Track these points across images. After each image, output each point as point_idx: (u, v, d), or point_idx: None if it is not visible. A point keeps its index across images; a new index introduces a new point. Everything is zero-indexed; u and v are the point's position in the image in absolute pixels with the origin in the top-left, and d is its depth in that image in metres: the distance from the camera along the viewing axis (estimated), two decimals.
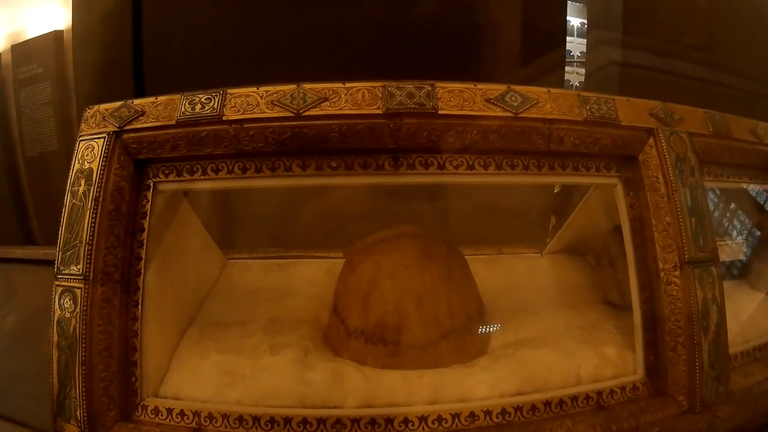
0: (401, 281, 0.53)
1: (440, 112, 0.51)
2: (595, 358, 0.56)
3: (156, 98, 0.54)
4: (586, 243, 0.70)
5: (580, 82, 0.91)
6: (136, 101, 0.55)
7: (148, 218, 0.53)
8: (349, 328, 0.53)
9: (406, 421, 0.47)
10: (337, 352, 0.53)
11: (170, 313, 0.55)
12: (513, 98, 0.54)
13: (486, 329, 0.57)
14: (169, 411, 0.50)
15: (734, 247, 0.84)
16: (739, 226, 0.84)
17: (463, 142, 0.53)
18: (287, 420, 0.47)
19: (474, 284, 0.59)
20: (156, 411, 0.50)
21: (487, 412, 0.49)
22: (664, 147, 0.59)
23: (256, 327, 0.57)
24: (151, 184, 0.53)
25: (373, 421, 0.47)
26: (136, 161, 0.54)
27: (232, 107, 0.52)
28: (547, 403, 0.50)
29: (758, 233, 0.87)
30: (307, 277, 0.65)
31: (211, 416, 0.48)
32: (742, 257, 0.83)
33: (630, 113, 0.59)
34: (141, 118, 0.53)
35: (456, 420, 0.48)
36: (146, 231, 0.52)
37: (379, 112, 0.51)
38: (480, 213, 0.74)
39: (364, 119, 0.51)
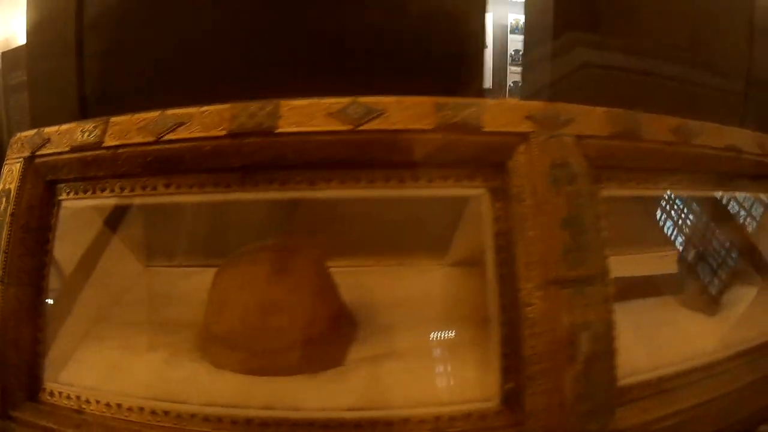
0: (251, 292, 0.56)
1: (277, 130, 0.53)
2: (450, 379, 0.54)
3: (59, 127, 0.64)
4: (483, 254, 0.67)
5: (514, 82, 0.84)
6: (47, 129, 0.65)
7: (53, 231, 0.62)
8: (209, 334, 0.58)
9: (233, 421, 0.51)
10: (202, 354, 0.58)
11: (76, 313, 0.64)
12: (355, 110, 0.54)
13: (346, 341, 0.58)
14: (60, 394, 0.58)
15: (667, 261, 0.73)
16: (677, 238, 0.73)
17: (302, 158, 0.54)
18: (141, 408, 0.53)
19: (334, 296, 0.59)
20: (52, 394, 0.59)
21: (311, 423, 0.50)
22: (536, 152, 0.55)
23: (147, 328, 0.63)
24: (57, 201, 0.63)
25: (206, 418, 0.51)
26: (46, 182, 0.64)
27: (111, 134, 0.59)
28: (374, 423, 0.49)
29: (696, 247, 0.76)
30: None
31: (88, 400, 0.56)
32: (675, 272, 0.72)
33: (499, 117, 0.55)
34: (48, 144, 0.63)
35: (278, 427, 0.49)
36: (51, 242, 0.62)
37: (224, 133, 0.54)
38: (390, 223, 0.74)
39: (211, 141, 0.55)
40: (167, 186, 0.58)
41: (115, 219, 0.71)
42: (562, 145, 0.56)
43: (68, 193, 0.63)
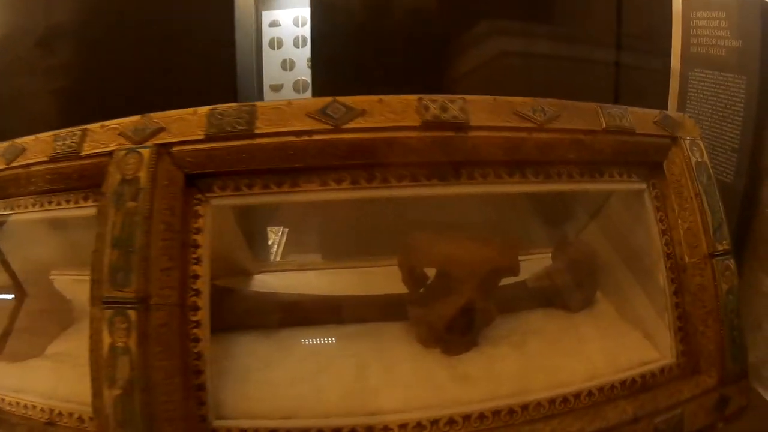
0: None
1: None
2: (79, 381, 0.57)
3: None
4: None
5: None
6: None
7: None
8: None
9: None
10: None
11: None
12: (10, 150, 0.62)
13: (48, 338, 0.68)
14: None
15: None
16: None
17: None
18: None
19: (40, 303, 0.70)
20: None
21: None
22: (113, 170, 0.53)
23: None
24: None
25: None
26: None
27: None
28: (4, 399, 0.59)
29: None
30: None
31: None
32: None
33: (98, 141, 0.56)
34: None
35: None
36: None
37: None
38: None
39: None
40: None
41: None
42: (138, 159, 0.53)
43: None
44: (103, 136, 0.56)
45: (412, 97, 0.54)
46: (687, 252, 0.56)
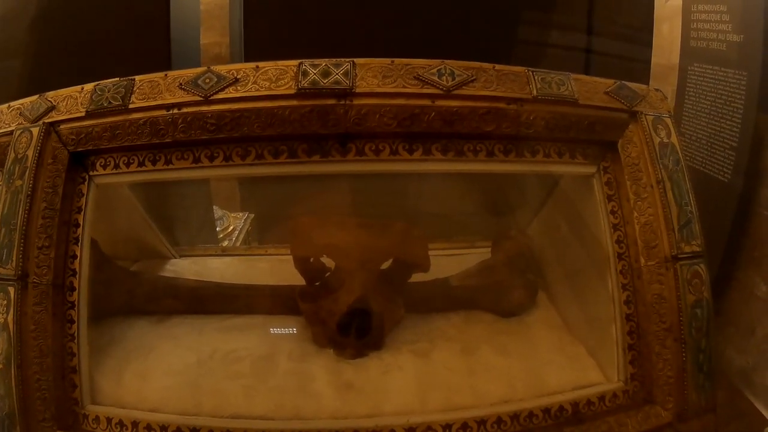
0: None
1: None
2: None
3: None
4: None
5: None
6: None
7: None
8: None
9: None
10: None
11: None
12: None
13: None
14: None
15: None
16: None
17: None
18: None
19: None
20: None
21: None
22: (9, 150, 0.51)
23: None
24: None
25: None
26: None
27: None
28: None
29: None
30: None
31: None
32: None
33: (4, 121, 0.55)
34: None
35: None
36: None
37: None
38: None
39: None
40: None
41: None
42: (28, 138, 0.52)
43: None
44: (8, 116, 0.56)
45: (292, 63, 0.47)
46: (643, 252, 0.43)
